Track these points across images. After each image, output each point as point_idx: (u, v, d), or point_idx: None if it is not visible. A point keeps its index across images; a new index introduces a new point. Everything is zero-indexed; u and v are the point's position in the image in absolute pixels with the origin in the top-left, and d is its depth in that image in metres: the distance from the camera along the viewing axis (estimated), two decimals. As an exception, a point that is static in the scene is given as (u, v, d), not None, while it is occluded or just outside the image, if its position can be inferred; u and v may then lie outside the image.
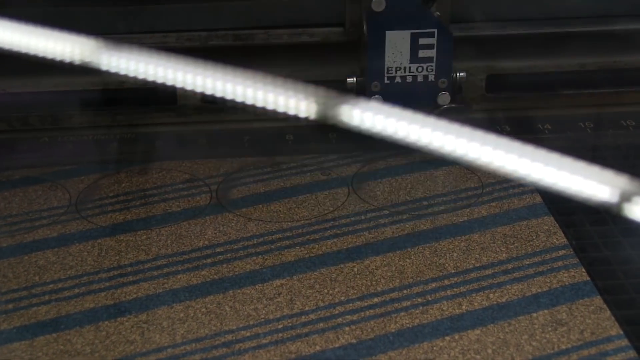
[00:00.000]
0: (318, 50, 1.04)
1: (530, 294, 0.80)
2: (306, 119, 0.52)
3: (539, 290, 0.80)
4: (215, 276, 0.82)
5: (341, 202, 0.94)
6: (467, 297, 0.80)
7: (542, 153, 0.46)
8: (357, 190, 0.96)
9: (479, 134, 0.48)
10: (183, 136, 1.05)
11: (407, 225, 0.90)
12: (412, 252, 0.86)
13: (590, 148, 1.03)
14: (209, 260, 0.85)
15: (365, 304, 0.79)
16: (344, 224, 0.90)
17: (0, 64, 0.94)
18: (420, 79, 0.99)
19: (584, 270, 0.83)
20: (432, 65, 0.98)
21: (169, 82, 0.56)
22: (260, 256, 0.85)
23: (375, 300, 0.79)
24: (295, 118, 0.52)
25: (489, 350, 0.73)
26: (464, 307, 0.78)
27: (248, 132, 1.05)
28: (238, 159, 1.01)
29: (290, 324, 0.76)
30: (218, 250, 0.86)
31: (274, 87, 0.53)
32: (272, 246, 0.87)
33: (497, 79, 1.07)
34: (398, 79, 0.99)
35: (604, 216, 0.90)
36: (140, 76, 0.56)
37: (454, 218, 0.91)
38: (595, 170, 0.45)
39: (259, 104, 0.54)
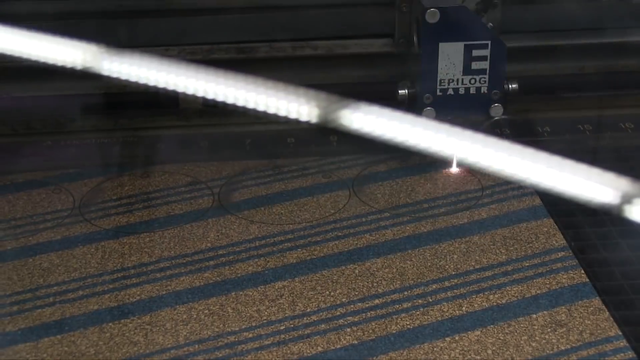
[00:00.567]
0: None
1: (529, 296, 0.80)
2: (307, 123, 0.53)
3: (539, 292, 0.81)
4: (217, 278, 0.83)
5: (342, 205, 0.95)
6: (468, 299, 0.80)
7: (541, 155, 0.47)
8: (358, 193, 0.97)
9: (479, 136, 0.49)
10: (185, 139, 1.06)
11: (408, 228, 0.91)
12: (413, 254, 0.87)
13: (589, 150, 1.04)
14: (211, 263, 0.85)
15: (367, 305, 0.80)
16: (345, 226, 0.91)
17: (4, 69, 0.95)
18: (473, 90, 0.97)
19: (583, 271, 0.83)
20: (485, 77, 0.97)
21: (171, 87, 0.57)
22: (262, 258, 0.86)
23: (377, 301, 0.80)
24: (297, 121, 0.53)
25: (489, 351, 0.74)
26: (464, 308, 0.79)
27: (250, 135, 1.06)
28: (240, 161, 1.02)
29: (292, 325, 0.77)
30: (220, 252, 0.87)
31: (276, 91, 0.54)
32: (274, 248, 0.87)
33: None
34: (451, 91, 0.97)
35: (603, 218, 0.90)
36: (142, 81, 0.57)
37: (454, 220, 0.92)
38: (594, 172, 0.45)
39: (261, 107, 0.54)
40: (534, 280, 0.82)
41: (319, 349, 0.75)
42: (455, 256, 0.86)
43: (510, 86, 0.98)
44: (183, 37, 1.05)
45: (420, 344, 0.75)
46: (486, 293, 0.81)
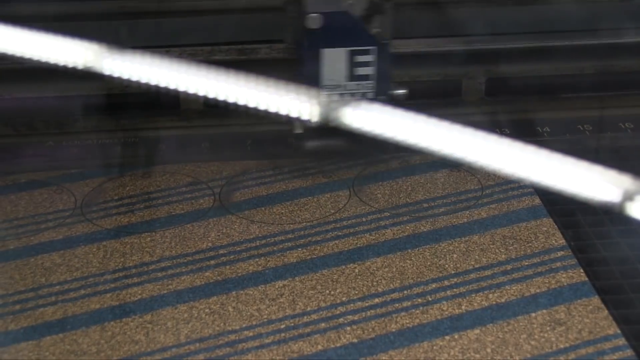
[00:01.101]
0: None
1: (529, 294, 0.81)
2: (308, 121, 0.53)
3: (538, 291, 0.81)
4: (218, 277, 0.84)
5: (342, 205, 0.95)
6: (467, 298, 0.81)
7: (541, 155, 0.47)
8: (358, 193, 0.97)
9: (479, 135, 0.49)
10: (186, 140, 1.06)
11: (408, 227, 0.91)
12: (413, 254, 0.87)
13: (589, 150, 1.04)
14: (212, 262, 0.86)
15: (367, 304, 0.80)
16: (345, 225, 0.91)
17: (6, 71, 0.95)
18: (358, 96, 0.96)
19: (582, 270, 0.84)
20: (370, 83, 0.95)
21: (172, 87, 0.57)
22: (262, 258, 0.86)
23: (376, 300, 0.81)
24: (298, 120, 0.53)
25: (488, 350, 0.75)
26: (463, 307, 0.80)
27: (250, 136, 1.06)
28: (240, 161, 1.03)
29: (292, 324, 0.78)
30: (221, 252, 0.87)
31: (276, 90, 0.54)
32: (275, 248, 0.88)
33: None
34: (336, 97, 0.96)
35: (602, 217, 0.91)
36: (143, 81, 0.57)
37: (454, 220, 0.92)
38: (594, 171, 0.46)
39: (261, 107, 0.55)
40: (534, 279, 0.83)
41: (319, 347, 0.75)
42: (455, 255, 0.87)
43: (397, 92, 0.97)
44: (184, 38, 1.05)
45: (419, 343, 0.76)
46: (485, 292, 0.81)
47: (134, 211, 0.94)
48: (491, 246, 0.88)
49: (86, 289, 0.82)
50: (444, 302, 0.80)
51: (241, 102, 0.55)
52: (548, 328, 0.77)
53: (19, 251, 0.87)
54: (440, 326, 0.77)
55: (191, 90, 0.58)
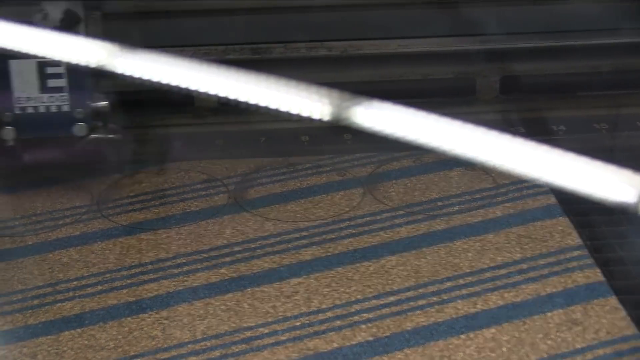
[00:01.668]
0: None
1: (544, 294, 0.81)
2: (320, 121, 0.53)
3: (554, 290, 0.81)
4: (234, 274, 0.84)
5: (356, 202, 0.95)
6: (482, 296, 0.81)
7: (556, 153, 0.47)
8: (372, 191, 0.97)
9: (493, 134, 0.49)
10: (200, 137, 1.06)
11: (422, 225, 0.91)
12: (427, 252, 0.87)
13: (605, 149, 1.04)
14: (227, 259, 0.86)
15: (381, 302, 0.80)
16: (360, 223, 0.92)
17: None
18: (54, 109, 0.94)
19: (598, 270, 0.84)
20: (64, 95, 0.94)
21: (184, 86, 0.57)
22: (277, 255, 0.87)
23: (391, 298, 0.81)
24: (310, 119, 0.53)
25: (504, 349, 0.75)
26: (479, 306, 0.80)
27: (264, 133, 1.06)
28: (254, 159, 1.03)
29: (307, 322, 0.78)
30: (236, 249, 0.88)
31: (288, 88, 0.54)
32: (289, 245, 0.88)
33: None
34: (30, 109, 0.94)
35: (619, 217, 0.90)
36: (155, 80, 0.57)
37: (469, 218, 0.92)
38: (610, 170, 0.46)
39: (274, 105, 0.55)
40: (549, 279, 0.83)
41: (335, 345, 0.75)
42: (470, 254, 0.87)
43: (98, 104, 0.95)
44: (197, 37, 1.05)
45: (435, 341, 0.76)
46: (501, 291, 0.81)
47: (150, 208, 0.94)
48: (506, 245, 0.88)
49: (103, 284, 0.83)
50: (459, 301, 0.80)
51: (252, 101, 0.55)
52: (564, 328, 0.77)
53: (37, 246, 0.88)
54: (455, 325, 0.77)
55: (202, 89, 0.58)
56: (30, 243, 0.89)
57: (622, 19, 1.06)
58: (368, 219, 0.92)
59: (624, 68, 1.09)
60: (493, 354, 0.74)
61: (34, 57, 0.85)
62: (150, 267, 0.85)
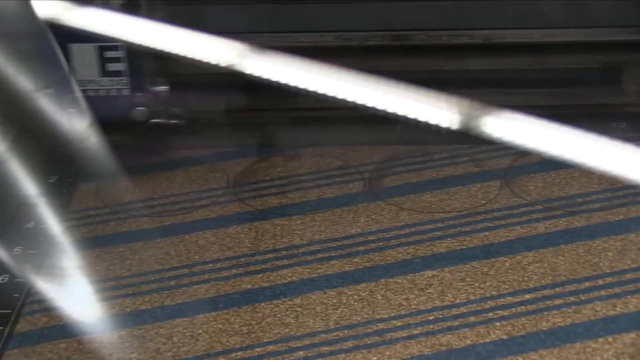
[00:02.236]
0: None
1: None
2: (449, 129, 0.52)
3: None
4: (367, 264, 0.84)
5: (493, 195, 0.93)
6: (622, 299, 0.78)
7: None
8: (509, 184, 0.95)
9: (627, 147, 0.47)
10: (336, 122, 1.06)
11: (561, 222, 0.89)
12: (566, 250, 0.85)
13: None
14: (361, 248, 0.86)
15: (517, 299, 0.79)
16: (496, 217, 0.90)
17: None
18: (113, 92, 0.94)
19: None
20: (124, 79, 0.93)
21: (310, 89, 0.57)
22: (411, 246, 0.86)
23: (527, 296, 0.79)
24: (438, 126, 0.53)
25: (645, 355, 0.72)
26: (618, 308, 0.77)
27: (400, 120, 1.05)
28: (390, 146, 1.02)
29: (441, 316, 0.77)
30: (370, 238, 0.87)
31: (418, 97, 0.54)
32: (424, 237, 0.87)
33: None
34: (91, 93, 0.94)
35: None
36: (283, 81, 0.58)
37: (610, 216, 0.89)
38: None
39: (402, 112, 0.54)
40: None
41: (468, 341, 0.74)
42: (610, 254, 0.84)
43: (159, 88, 0.95)
44: (340, 23, 1.05)
45: (571, 343, 0.74)
46: None
47: (285, 193, 0.95)
48: (649, 246, 0.85)
49: (238, 268, 0.84)
50: (598, 302, 0.78)
51: (380, 107, 0.55)
52: None
53: (174, 227, 0.90)
54: (593, 327, 0.75)
55: (331, 94, 0.58)
56: (167, 224, 0.90)
57: None
58: (505, 212, 0.91)
59: None
60: (633, 361, 0.72)
61: (94, 40, 0.90)
62: (284, 252, 0.85)
